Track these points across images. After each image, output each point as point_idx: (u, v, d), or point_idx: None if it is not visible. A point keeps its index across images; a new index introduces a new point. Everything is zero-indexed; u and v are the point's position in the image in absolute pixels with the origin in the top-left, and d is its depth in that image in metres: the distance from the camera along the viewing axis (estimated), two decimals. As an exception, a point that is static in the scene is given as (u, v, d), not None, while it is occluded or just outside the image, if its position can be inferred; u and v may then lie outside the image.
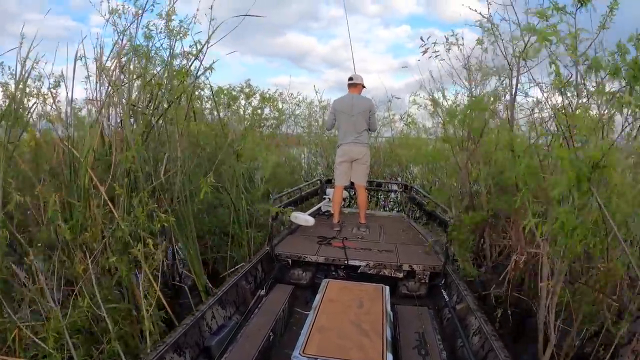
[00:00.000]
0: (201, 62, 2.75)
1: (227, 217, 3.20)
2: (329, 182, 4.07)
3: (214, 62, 2.84)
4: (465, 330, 1.97)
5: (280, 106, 6.32)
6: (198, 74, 2.74)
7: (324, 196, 4.34)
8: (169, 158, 2.64)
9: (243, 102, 6.16)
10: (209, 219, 3.30)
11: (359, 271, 2.68)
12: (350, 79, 3.62)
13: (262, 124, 6.86)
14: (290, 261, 2.80)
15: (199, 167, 3.10)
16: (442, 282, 2.57)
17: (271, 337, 1.93)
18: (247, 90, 6.16)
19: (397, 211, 5.33)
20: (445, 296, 2.40)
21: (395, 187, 5.01)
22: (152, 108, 2.68)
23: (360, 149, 3.53)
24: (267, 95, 6.19)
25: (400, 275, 2.65)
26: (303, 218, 3.28)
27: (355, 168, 3.59)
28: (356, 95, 3.60)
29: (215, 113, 4.90)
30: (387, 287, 2.08)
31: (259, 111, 6.67)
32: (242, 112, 6.10)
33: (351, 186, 3.85)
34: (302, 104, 6.67)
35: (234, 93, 5.56)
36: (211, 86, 3.22)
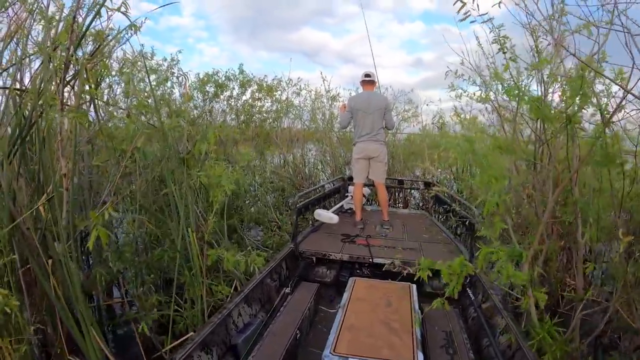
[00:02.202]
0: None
1: (170, 259, 2.16)
2: (352, 179, 3.95)
3: (142, 20, 1.81)
4: (492, 329, 1.92)
5: (279, 96, 5.27)
6: (111, 37, 1.71)
7: (347, 194, 4.27)
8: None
9: (235, 91, 5.12)
10: (146, 261, 2.25)
11: (383, 269, 2.62)
12: (368, 75, 3.54)
13: (263, 117, 5.80)
14: (314, 259, 2.76)
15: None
16: (467, 280, 2.47)
17: (297, 335, 1.88)
18: (240, 77, 5.09)
19: (419, 209, 5.23)
20: (471, 294, 2.33)
21: (416, 185, 4.99)
22: (35, 94, 1.65)
23: (377, 147, 3.47)
24: (264, 84, 5.11)
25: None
26: (327, 215, 3.26)
27: (373, 166, 3.54)
28: (372, 92, 3.57)
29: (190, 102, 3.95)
30: (415, 286, 2.05)
31: (258, 102, 5.61)
32: (233, 104, 5.04)
33: (372, 184, 3.82)
34: (302, 91, 5.60)
35: (220, 81, 4.51)
36: (144, 58, 2.21)
